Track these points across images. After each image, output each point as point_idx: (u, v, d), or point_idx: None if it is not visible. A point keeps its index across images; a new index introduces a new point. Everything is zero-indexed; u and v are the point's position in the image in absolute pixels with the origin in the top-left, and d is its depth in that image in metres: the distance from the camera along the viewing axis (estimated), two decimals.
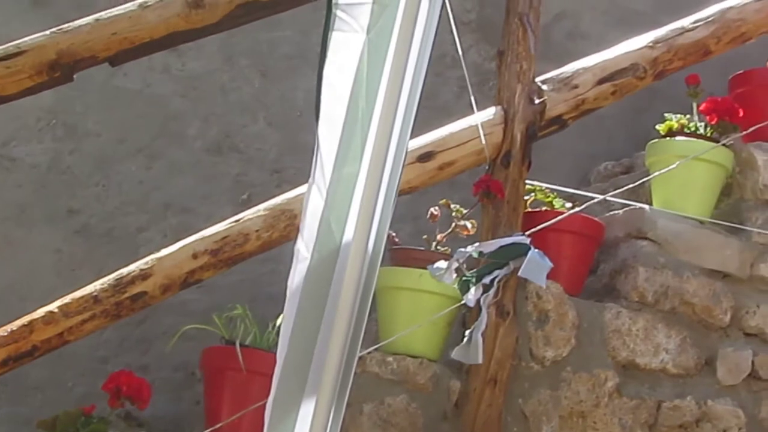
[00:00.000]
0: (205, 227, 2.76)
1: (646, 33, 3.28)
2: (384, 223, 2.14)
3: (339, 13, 2.22)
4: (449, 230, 2.89)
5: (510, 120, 2.90)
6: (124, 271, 2.59)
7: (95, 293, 2.55)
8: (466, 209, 2.93)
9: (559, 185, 3.69)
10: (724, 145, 3.19)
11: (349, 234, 2.13)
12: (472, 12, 4.65)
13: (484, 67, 4.19)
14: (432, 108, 4.40)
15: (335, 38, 2.22)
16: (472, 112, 2.97)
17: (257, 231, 2.66)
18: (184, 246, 2.63)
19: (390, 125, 2.12)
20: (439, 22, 2.19)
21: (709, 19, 3.29)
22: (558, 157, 4.54)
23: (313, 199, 2.17)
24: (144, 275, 2.58)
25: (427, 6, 2.19)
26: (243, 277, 3.42)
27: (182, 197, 3.76)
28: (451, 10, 4.55)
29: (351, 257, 2.08)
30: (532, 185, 3.04)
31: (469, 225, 2.87)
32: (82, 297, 2.55)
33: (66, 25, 2.62)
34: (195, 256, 2.61)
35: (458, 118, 3.01)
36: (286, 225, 2.65)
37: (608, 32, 4.70)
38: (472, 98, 2.81)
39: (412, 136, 2.79)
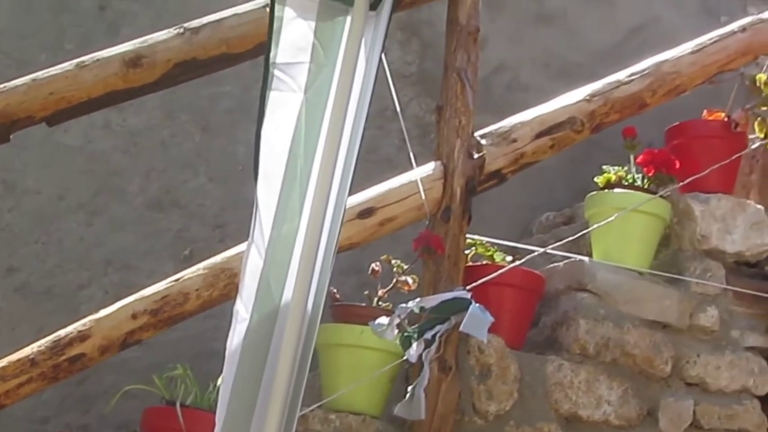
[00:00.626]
0: (147, 284, 2.74)
1: (584, 84, 3.33)
2: (323, 280, 2.14)
3: (277, 72, 2.23)
4: (390, 286, 2.90)
5: (449, 175, 2.92)
6: (62, 332, 2.56)
7: (32, 356, 2.52)
8: (409, 263, 2.94)
9: (501, 237, 3.71)
10: (661, 196, 3.23)
11: (288, 292, 2.13)
12: (413, 65, 4.69)
13: (425, 120, 4.22)
14: (374, 161, 4.42)
15: (273, 97, 2.23)
16: (418, 164, 2.99)
17: (197, 290, 2.64)
18: (123, 306, 2.60)
19: (328, 183, 2.13)
20: (376, 77, 2.21)
21: (645, 72, 3.34)
22: (500, 209, 4.57)
23: (252, 258, 2.17)
24: (82, 337, 2.55)
25: (364, 64, 2.21)
26: (185, 334, 3.39)
27: (123, 253, 3.74)
28: (389, 66, 4.59)
29: (290, 316, 2.08)
30: (472, 239, 3.05)
31: (410, 280, 2.88)
32: (18, 360, 2.51)
33: (1, 85, 2.61)
34: (134, 317, 2.59)
35: (401, 171, 3.03)
36: (227, 284, 2.63)
37: (548, 84, 4.77)
38: (411, 154, 2.83)
39: (352, 192, 2.80)
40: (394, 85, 4.51)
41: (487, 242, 3.11)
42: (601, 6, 5.23)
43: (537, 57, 4.99)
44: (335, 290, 2.92)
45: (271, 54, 2.23)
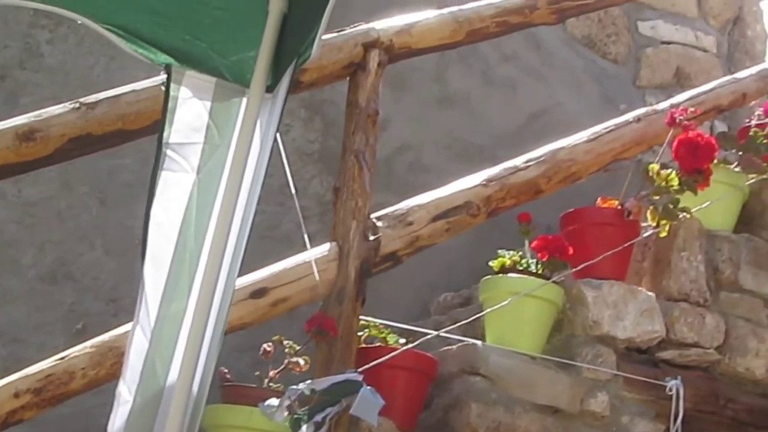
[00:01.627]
0: (37, 358, 2.68)
1: (486, 166, 3.37)
2: (210, 361, 2.13)
3: (169, 152, 2.23)
4: (282, 367, 2.88)
5: (345, 256, 2.93)
6: None
7: None
8: (302, 343, 2.93)
9: (401, 316, 3.72)
10: (554, 282, 3.27)
11: (174, 374, 2.11)
12: (316, 143, 4.72)
13: (326, 198, 4.24)
14: (274, 238, 4.42)
15: (165, 177, 2.23)
16: (316, 241, 3.00)
17: (83, 369, 2.60)
18: (5, 385, 2.54)
19: (218, 264, 2.12)
20: (271, 156, 2.22)
21: (541, 158, 3.41)
22: (399, 288, 4.59)
23: (137, 339, 2.15)
24: None
25: (258, 146, 2.22)
26: (74, 410, 3.33)
27: (14, 327, 3.67)
28: (291, 144, 4.63)
29: (175, 397, 2.05)
30: (366, 321, 3.06)
31: (302, 362, 2.87)
32: None
33: None
34: (17, 395, 2.53)
35: (301, 249, 3.03)
36: (114, 362, 2.59)
37: (450, 165, 4.83)
38: (305, 236, 2.83)
39: (248, 270, 2.81)
40: (289, 164, 4.54)
41: (381, 324, 3.12)
42: (504, 90, 5.34)
43: (439, 138, 5.06)
44: (225, 370, 2.89)
45: (165, 134, 2.23)
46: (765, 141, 3.78)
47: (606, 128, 3.58)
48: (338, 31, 3.09)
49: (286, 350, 2.90)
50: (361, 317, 2.99)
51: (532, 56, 5.46)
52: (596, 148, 3.52)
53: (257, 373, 2.94)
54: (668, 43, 6.05)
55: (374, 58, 3.10)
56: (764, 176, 3.81)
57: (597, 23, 5.76)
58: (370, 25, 3.15)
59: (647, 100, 5.70)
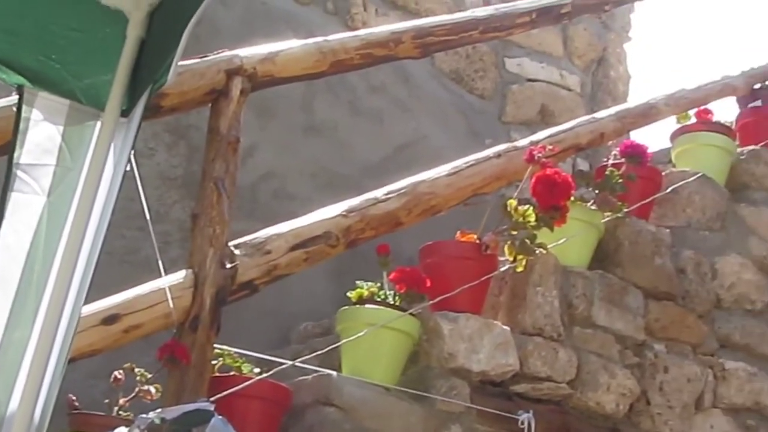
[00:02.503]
0: None
1: (352, 196, 3.38)
2: (53, 389, 2.08)
3: (20, 173, 2.19)
4: (132, 395, 2.85)
5: (200, 284, 2.91)
6: None
7: None
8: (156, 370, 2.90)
9: (262, 345, 3.71)
10: (411, 314, 3.30)
11: (15, 402, 2.06)
12: (179, 168, 4.69)
13: (188, 224, 4.18)
14: (133, 263, 4.37)
15: (14, 199, 2.18)
16: (177, 267, 2.97)
17: None
18: None
19: (65, 289, 2.08)
20: (123, 180, 2.19)
21: (402, 191, 3.44)
22: (260, 317, 4.58)
23: None
24: None
25: (111, 170, 2.19)
26: None
27: None
28: (155, 168, 4.58)
29: (15, 425, 2.01)
30: (220, 350, 3.04)
31: (153, 390, 2.84)
32: None
33: None
34: None
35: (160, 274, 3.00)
36: None
37: (314, 194, 4.86)
38: (160, 262, 2.81)
39: (102, 296, 2.77)
40: (152, 188, 4.52)
41: (236, 353, 3.11)
42: (371, 121, 5.40)
43: (305, 167, 5.09)
44: (73, 397, 2.84)
45: (15, 154, 2.19)
46: (620, 180, 3.89)
47: (467, 163, 3.63)
48: (201, 57, 3.08)
49: (138, 378, 2.87)
50: (215, 345, 2.97)
51: (399, 88, 5.54)
52: (457, 182, 3.56)
53: (107, 400, 2.90)
54: (534, 80, 6.20)
55: (237, 85, 3.09)
56: (619, 215, 3.91)
57: (465, 58, 5.86)
58: (234, 52, 3.15)
59: (512, 135, 5.83)
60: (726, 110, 5.14)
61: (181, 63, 2.83)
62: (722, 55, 12.24)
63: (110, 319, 2.75)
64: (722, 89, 4.85)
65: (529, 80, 6.19)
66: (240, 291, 3.01)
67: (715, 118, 4.75)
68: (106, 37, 2.17)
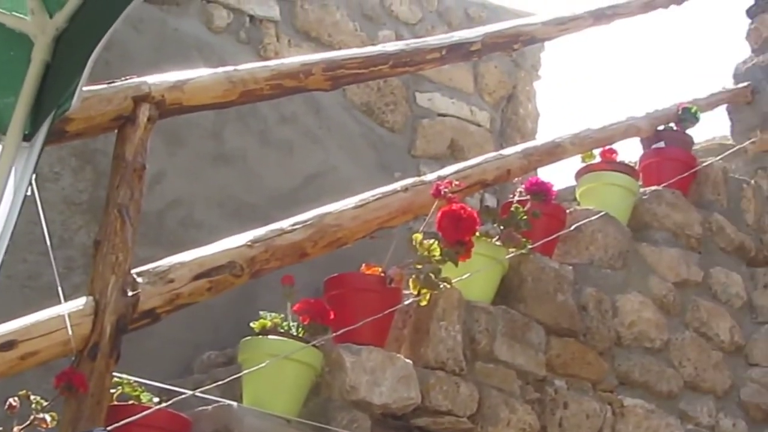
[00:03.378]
0: None
1: (259, 226, 3.37)
2: None
3: None
4: (27, 423, 2.80)
5: (101, 311, 2.87)
6: None
7: None
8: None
9: (163, 374, 3.68)
10: (314, 345, 3.31)
11: None
12: (85, 193, 4.65)
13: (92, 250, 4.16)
14: (35, 288, 4.32)
15: None
16: (79, 293, 2.93)
17: None
18: None
19: None
20: (22, 205, 2.17)
21: (308, 222, 3.44)
22: (164, 345, 4.55)
23: None
24: None
25: (12, 194, 2.17)
26: None
27: None
28: (60, 193, 4.53)
29: None
30: (120, 378, 3.01)
31: (48, 418, 2.79)
32: None
33: None
34: None
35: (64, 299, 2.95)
36: None
37: (222, 223, 4.85)
38: (60, 288, 2.77)
39: (3, 320, 2.72)
40: (57, 213, 4.46)
41: (135, 382, 3.07)
42: (281, 151, 5.41)
43: (213, 195, 5.07)
44: None
45: None
46: (525, 217, 3.94)
47: (374, 196, 3.65)
48: (109, 83, 3.06)
49: (33, 405, 2.82)
50: (115, 374, 2.93)
51: (310, 119, 5.56)
52: (363, 215, 3.58)
53: (0, 428, 2.85)
54: (444, 115, 6.27)
55: (144, 112, 3.07)
56: (523, 251, 3.97)
57: (376, 92, 5.91)
58: (143, 79, 3.14)
59: (421, 169, 5.88)
60: (630, 150, 5.26)
61: (88, 88, 2.84)
62: (628, 96, 12.51)
63: (6, 345, 2.70)
64: (627, 130, 4.95)
65: (440, 115, 6.26)
66: (141, 319, 2.98)
67: (619, 158, 4.85)
68: (11, 60, 2.15)
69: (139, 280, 3.00)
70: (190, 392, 3.04)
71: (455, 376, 3.62)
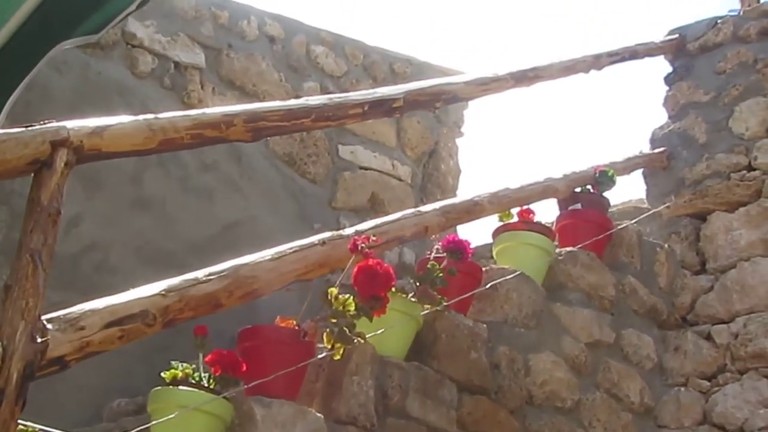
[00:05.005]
0: None
1: (175, 273, 3.35)
2: None
3: None
4: None
5: (8, 358, 2.82)
6: None
7: None
8: None
9: (72, 421, 3.63)
10: (224, 397, 3.29)
11: None
12: (0, 234, 4.59)
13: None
14: None
15: None
16: None
17: None
18: None
19: None
20: None
21: (223, 273, 3.41)
22: (74, 391, 4.49)
23: None
24: None
25: None
26: None
27: None
28: None
29: None
30: (25, 426, 2.96)
31: None
32: None
33: None
34: None
35: None
36: None
37: (138, 269, 4.82)
38: None
39: None
40: None
41: (41, 430, 3.03)
42: (201, 199, 5.39)
43: (130, 241, 5.04)
44: None
45: None
46: (441, 275, 3.98)
47: (291, 248, 3.64)
48: (27, 126, 3.03)
49: None
50: (20, 421, 2.89)
51: (232, 167, 5.56)
52: (280, 266, 3.57)
53: None
54: (366, 168, 6.31)
55: (62, 157, 3.04)
56: (438, 308, 3.99)
57: (299, 142, 5.94)
58: (62, 123, 3.11)
59: (341, 221, 5.90)
60: (547, 211, 5.34)
61: (5, 131, 2.81)
62: (547, 157, 12.70)
63: None
64: (544, 190, 5.02)
65: (362, 168, 6.30)
66: (49, 366, 2.93)
67: (536, 218, 4.91)
68: None
69: (49, 326, 2.95)
70: None
71: (366, 431, 3.62)
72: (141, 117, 3.35)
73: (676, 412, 4.99)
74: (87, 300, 3.13)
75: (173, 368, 3.35)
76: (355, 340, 3.50)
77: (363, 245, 3.57)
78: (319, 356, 3.56)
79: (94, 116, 3.26)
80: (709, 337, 5.11)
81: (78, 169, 3.20)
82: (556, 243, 5.00)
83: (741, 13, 5.90)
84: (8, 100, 2.01)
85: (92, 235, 4.88)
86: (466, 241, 4.19)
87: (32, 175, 3.10)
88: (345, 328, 3.46)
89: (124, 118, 3.32)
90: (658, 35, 6.14)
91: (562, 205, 5.22)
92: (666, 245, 5.42)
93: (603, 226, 5.13)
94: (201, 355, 3.37)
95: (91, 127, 3.17)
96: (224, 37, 5.76)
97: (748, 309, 5.02)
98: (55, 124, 3.10)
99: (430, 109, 4.76)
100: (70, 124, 3.14)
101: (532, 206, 4.94)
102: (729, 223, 5.28)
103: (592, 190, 5.25)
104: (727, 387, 4.91)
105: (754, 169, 5.35)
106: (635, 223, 5.33)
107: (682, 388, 5.04)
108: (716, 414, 4.88)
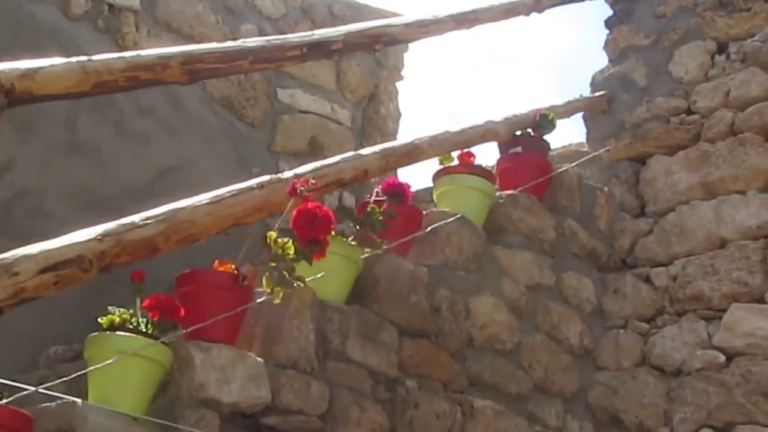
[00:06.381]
0: None
1: (112, 219, 3.32)
2: None
3: None
4: None
5: None
6: None
7: None
8: None
9: (6, 369, 3.60)
10: (163, 342, 3.29)
11: None
12: None
13: None
14: None
15: None
16: None
17: None
18: None
19: None
20: None
21: (160, 217, 3.38)
22: (9, 337, 4.45)
23: None
24: None
25: None
26: None
27: None
28: None
29: None
30: None
31: None
32: None
33: None
34: None
35: None
36: None
37: (74, 215, 4.77)
38: None
39: None
40: None
41: None
42: (137, 143, 5.35)
43: (65, 186, 4.99)
44: None
45: None
46: (381, 218, 3.99)
47: (229, 192, 3.62)
48: None
49: None
50: None
51: (168, 111, 5.51)
52: (217, 210, 3.54)
53: None
54: (305, 112, 6.29)
55: None
56: (378, 251, 4.01)
57: (237, 86, 5.90)
58: None
59: (281, 165, 5.88)
60: (488, 155, 5.37)
61: None
62: (487, 101, 12.72)
63: None
64: (485, 134, 5.04)
65: (301, 112, 6.27)
66: None
67: (476, 162, 4.93)
68: None
69: None
70: (33, 389, 2.99)
71: (306, 375, 3.65)
72: (74, 59, 3.31)
73: (615, 354, 5.07)
74: (21, 246, 3.11)
75: (110, 314, 3.34)
76: (295, 284, 3.50)
77: (302, 188, 3.56)
78: (259, 300, 3.57)
79: (26, 59, 3.22)
80: (648, 280, 5.19)
81: (10, 113, 3.15)
82: (497, 186, 5.03)
83: None
84: None
85: (26, 180, 4.83)
86: (406, 184, 4.21)
87: None
88: (284, 272, 3.46)
89: (57, 60, 3.28)
90: None
91: (503, 148, 5.25)
92: (606, 188, 5.47)
93: (543, 169, 5.17)
94: (138, 300, 3.37)
95: (22, 70, 3.13)
96: None
97: (686, 252, 5.09)
98: None
99: (369, 52, 4.75)
100: (1, 66, 3.09)
101: (473, 150, 4.96)
102: (668, 166, 5.34)
103: (532, 134, 5.28)
104: (666, 329, 5.00)
105: (694, 113, 5.41)
106: (575, 166, 5.37)
107: (621, 330, 5.12)
108: (655, 355, 4.97)
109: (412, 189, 4.31)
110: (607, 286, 5.27)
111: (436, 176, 4.91)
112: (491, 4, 5.23)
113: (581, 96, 5.84)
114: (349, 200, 6.19)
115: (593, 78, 5.97)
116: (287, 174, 3.93)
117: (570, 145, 6.22)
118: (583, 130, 5.92)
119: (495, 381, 4.48)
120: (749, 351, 4.68)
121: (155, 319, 3.34)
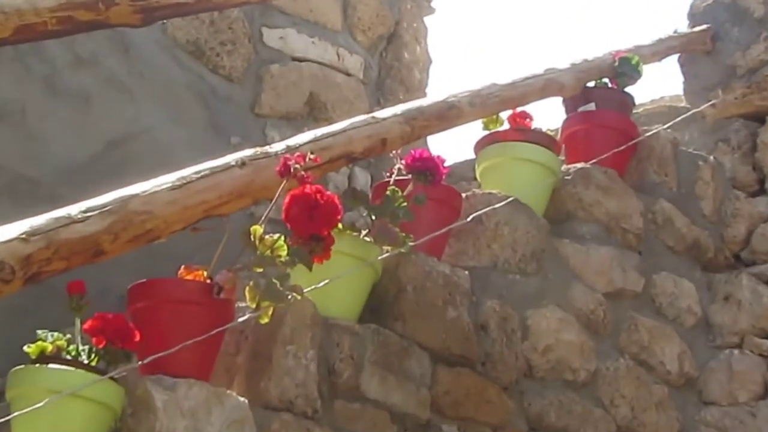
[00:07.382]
0: None
1: (42, 209, 3.32)
2: None
3: None
4: None
5: None
6: None
7: None
8: None
9: None
10: (111, 378, 3.29)
11: None
12: None
13: None
14: None
15: None
16: None
17: None
18: None
19: None
20: None
21: (106, 208, 3.36)
22: None
23: None
24: None
25: None
26: None
27: None
28: None
29: None
30: None
31: None
32: None
33: None
34: None
35: None
36: None
37: None
38: None
39: None
40: None
41: None
42: (75, 106, 5.36)
43: None
44: None
45: None
46: (405, 204, 3.95)
47: (199, 172, 3.62)
48: None
49: None
50: None
51: (116, 62, 5.52)
52: (183, 198, 3.54)
53: None
54: (301, 60, 6.28)
55: None
56: (402, 250, 3.98)
57: (208, 26, 5.90)
58: None
59: (269, 134, 5.89)
60: (550, 115, 5.35)
61: None
62: (548, 44, 12.69)
63: None
64: (545, 86, 5.03)
65: (295, 59, 6.27)
66: None
67: (534, 125, 4.91)
68: None
69: None
70: None
71: (306, 419, 3.65)
72: None
73: (728, 384, 5.06)
74: None
75: (40, 339, 3.35)
76: (289, 297, 3.51)
77: (297, 166, 3.56)
78: (241, 320, 3.57)
79: None
80: None
81: None
82: (563, 158, 5.02)
83: None
84: None
85: None
86: (438, 157, 4.19)
87: None
88: (275, 281, 3.46)
89: None
90: None
91: (570, 105, 5.24)
92: (712, 157, 5.45)
93: (625, 132, 5.16)
94: (78, 321, 3.37)
95: None
96: None
97: None
98: None
99: None
100: None
101: (529, 108, 4.94)
102: None
103: (610, 85, 5.26)
104: None
105: None
106: (669, 128, 5.35)
107: (736, 351, 5.11)
108: None
109: (447, 164, 4.29)
110: (715, 291, 5.26)
111: (480, 146, 4.91)
112: None
113: (676, 32, 5.83)
114: (362, 180, 6.20)
115: (691, 7, 5.96)
116: (278, 146, 3.94)
117: (662, 99, 6.21)
118: (680, 78, 5.91)
119: (564, 424, 4.48)
120: None
121: (101, 346, 3.34)
